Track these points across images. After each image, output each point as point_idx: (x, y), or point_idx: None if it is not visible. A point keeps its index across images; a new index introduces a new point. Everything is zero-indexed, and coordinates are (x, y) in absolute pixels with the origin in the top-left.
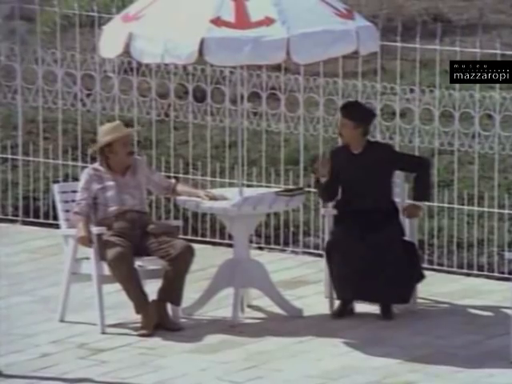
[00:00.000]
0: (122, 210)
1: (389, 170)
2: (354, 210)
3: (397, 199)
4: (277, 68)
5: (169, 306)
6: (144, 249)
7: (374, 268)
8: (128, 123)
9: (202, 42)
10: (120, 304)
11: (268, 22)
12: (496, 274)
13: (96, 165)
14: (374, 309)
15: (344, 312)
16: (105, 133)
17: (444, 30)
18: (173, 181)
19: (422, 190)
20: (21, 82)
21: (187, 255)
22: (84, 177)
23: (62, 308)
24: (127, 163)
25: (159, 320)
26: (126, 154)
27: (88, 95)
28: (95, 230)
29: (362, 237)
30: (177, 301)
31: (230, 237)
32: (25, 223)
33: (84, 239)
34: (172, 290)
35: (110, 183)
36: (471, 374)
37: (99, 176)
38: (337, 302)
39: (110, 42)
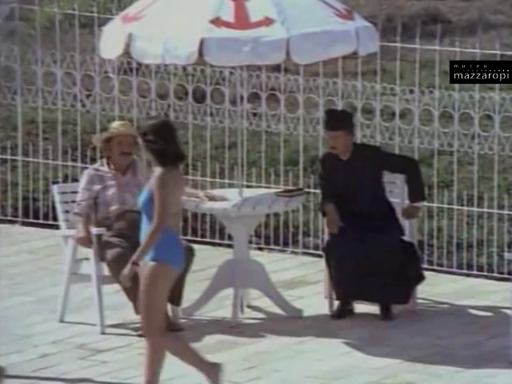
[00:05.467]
0: (123, 210)
1: (378, 172)
2: (351, 213)
3: (397, 200)
4: (276, 68)
5: (168, 307)
6: None
7: (373, 268)
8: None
9: (201, 43)
10: (119, 304)
11: (267, 22)
12: (495, 275)
13: (97, 165)
14: (373, 309)
15: (344, 312)
16: (111, 128)
17: (443, 30)
18: None
19: (416, 191)
20: (21, 82)
21: (187, 256)
22: (85, 177)
23: (61, 308)
24: (120, 163)
25: None
26: (119, 153)
27: (88, 96)
28: (95, 230)
29: (361, 237)
30: (177, 301)
31: (230, 237)
32: (24, 224)
33: (84, 239)
34: (172, 291)
35: (111, 182)
36: (471, 374)
37: (100, 176)
38: (336, 303)
39: (110, 42)
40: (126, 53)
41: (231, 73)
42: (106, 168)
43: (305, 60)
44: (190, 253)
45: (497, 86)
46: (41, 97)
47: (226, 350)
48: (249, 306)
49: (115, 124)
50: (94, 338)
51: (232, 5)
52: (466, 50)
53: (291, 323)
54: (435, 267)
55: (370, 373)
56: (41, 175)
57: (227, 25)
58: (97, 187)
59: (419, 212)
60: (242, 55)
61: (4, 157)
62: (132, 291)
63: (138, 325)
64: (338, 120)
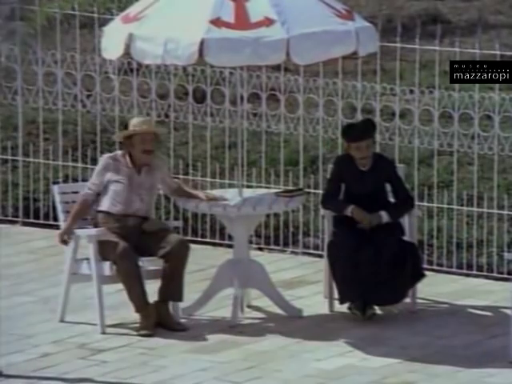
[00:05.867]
0: (126, 214)
1: (386, 183)
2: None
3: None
4: (276, 69)
5: (170, 305)
6: (141, 248)
7: (374, 269)
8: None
9: (201, 43)
10: (120, 304)
11: (268, 22)
12: (495, 275)
13: (117, 154)
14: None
15: (367, 311)
16: (132, 125)
17: (443, 30)
18: (177, 181)
19: (393, 212)
20: (21, 82)
21: (182, 250)
22: (102, 163)
23: (62, 308)
24: (142, 161)
25: (161, 320)
26: (141, 150)
27: (88, 96)
28: (95, 231)
29: (362, 238)
30: (178, 297)
31: (230, 237)
32: (25, 224)
33: (61, 235)
34: (172, 287)
35: (124, 178)
36: (471, 373)
37: (117, 166)
38: (336, 303)
39: (111, 43)
40: (127, 53)
41: (231, 73)
42: (125, 160)
43: (305, 60)
44: (183, 245)
45: (496, 86)
46: (41, 97)
47: (226, 349)
48: (249, 306)
49: (135, 121)
50: (94, 337)
51: (232, 5)
52: (465, 50)
53: (291, 323)
54: (435, 267)
55: (370, 373)
56: (41, 175)
57: (227, 25)
58: (109, 176)
59: (370, 220)
60: (242, 56)
61: (5, 157)
62: (134, 289)
63: (138, 324)
64: (366, 128)
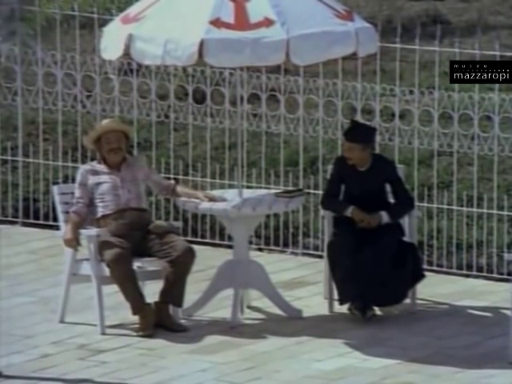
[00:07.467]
0: (120, 209)
1: (386, 183)
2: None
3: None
4: (276, 69)
5: (170, 308)
6: (145, 249)
7: (373, 269)
8: (128, 124)
9: (201, 44)
10: (120, 305)
11: (267, 23)
12: (495, 275)
13: (92, 163)
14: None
15: (367, 312)
16: (97, 127)
17: (443, 31)
18: (172, 182)
19: (392, 212)
20: (21, 83)
21: (188, 257)
22: (80, 172)
23: (61, 309)
24: (111, 160)
25: (160, 321)
26: (107, 150)
27: (88, 97)
28: (94, 231)
29: (362, 238)
30: (178, 302)
31: (230, 238)
32: (25, 224)
33: (70, 242)
34: (173, 292)
35: (105, 177)
36: (471, 374)
37: (95, 171)
38: (336, 304)
39: (111, 43)
40: (126, 54)
41: (231, 74)
42: (101, 165)
43: (304, 61)
44: (190, 253)
45: (496, 86)
46: (41, 98)
47: (225, 350)
48: (248, 307)
49: (102, 123)
50: (94, 338)
51: (232, 6)
52: (465, 50)
53: (291, 324)
54: (435, 268)
55: (370, 373)
56: (41, 176)
57: (227, 26)
58: (91, 181)
59: (370, 221)
60: (242, 56)
61: (4, 157)
62: (130, 292)
63: (138, 325)
64: (357, 133)
